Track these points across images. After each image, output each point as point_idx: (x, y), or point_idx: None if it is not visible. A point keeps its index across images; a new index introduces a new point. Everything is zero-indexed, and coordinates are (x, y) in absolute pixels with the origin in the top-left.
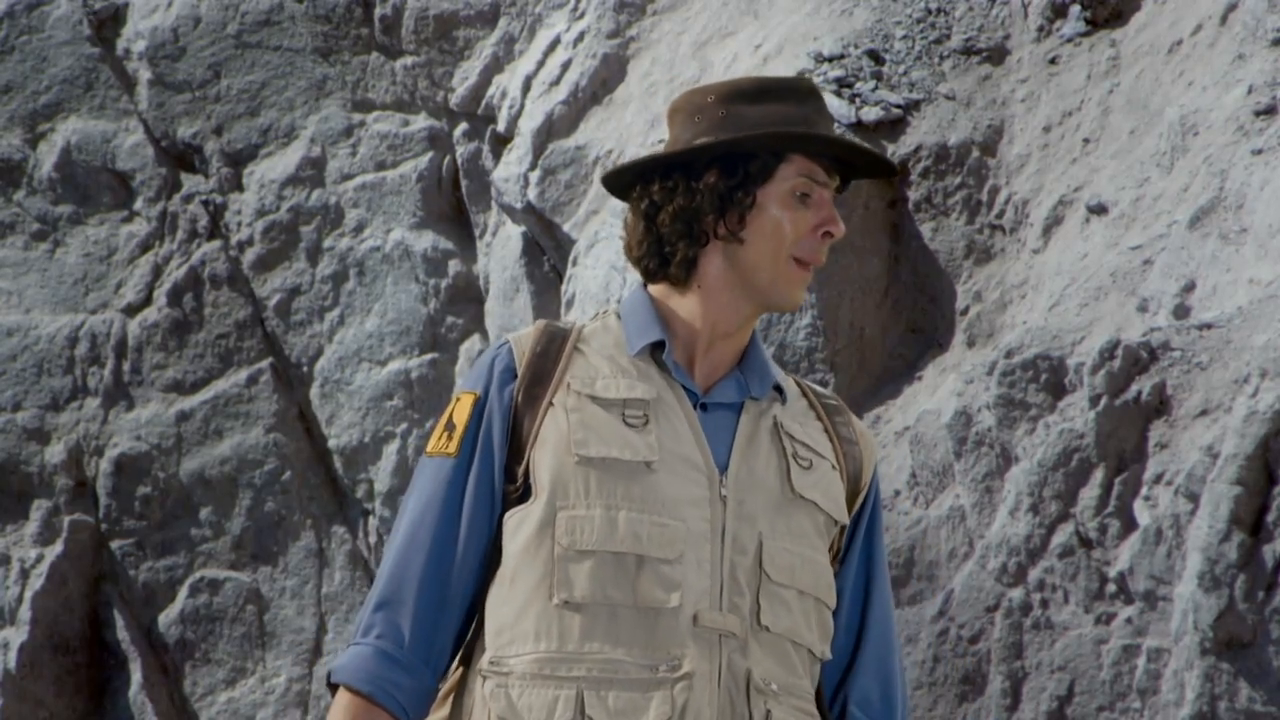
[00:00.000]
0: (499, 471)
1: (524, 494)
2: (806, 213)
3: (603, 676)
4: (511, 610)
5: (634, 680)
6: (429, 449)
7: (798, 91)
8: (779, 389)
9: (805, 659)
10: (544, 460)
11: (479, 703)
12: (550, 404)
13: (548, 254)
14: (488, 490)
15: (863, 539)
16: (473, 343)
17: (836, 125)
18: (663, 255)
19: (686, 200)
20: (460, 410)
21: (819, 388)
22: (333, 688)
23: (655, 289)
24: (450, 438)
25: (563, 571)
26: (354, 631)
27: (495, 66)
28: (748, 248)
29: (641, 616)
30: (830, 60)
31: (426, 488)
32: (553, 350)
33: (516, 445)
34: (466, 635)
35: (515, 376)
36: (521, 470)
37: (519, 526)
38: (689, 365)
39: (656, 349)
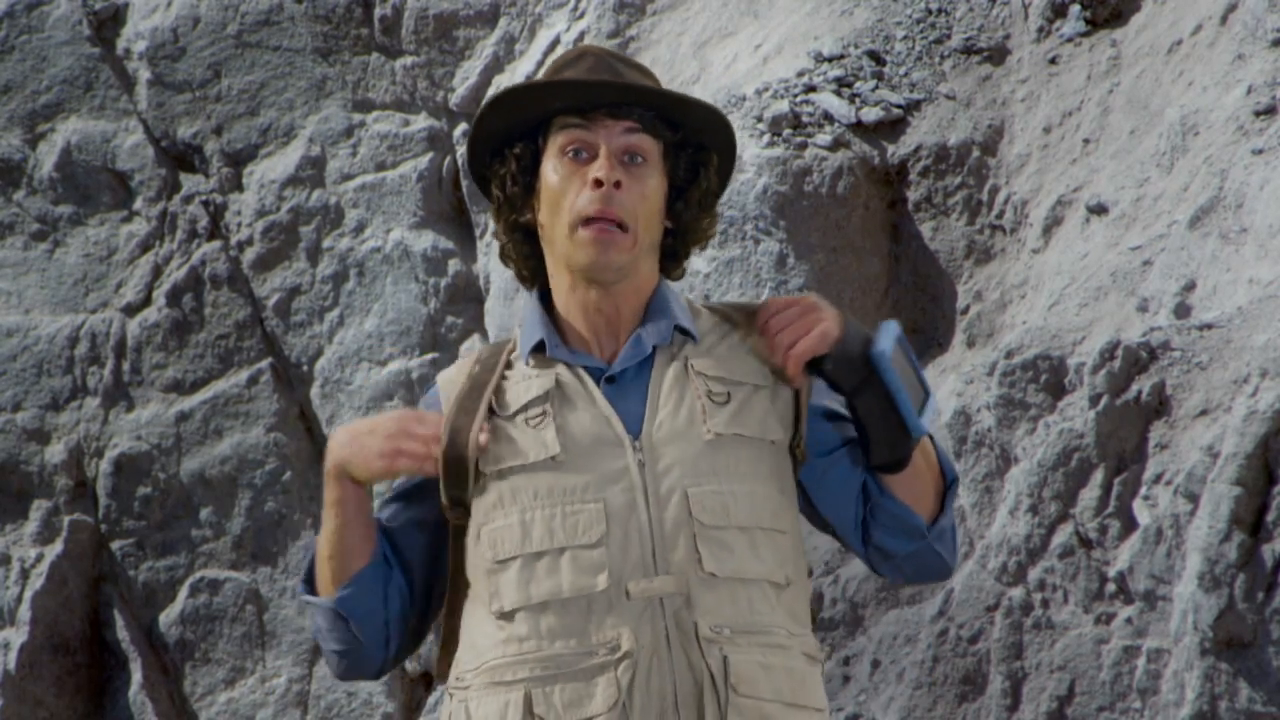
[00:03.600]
0: (412, 519)
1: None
2: (580, 170)
3: (546, 674)
4: (468, 630)
5: (576, 671)
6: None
7: (574, 59)
8: (683, 330)
9: (765, 591)
10: (473, 485)
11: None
12: (472, 432)
13: None
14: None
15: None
16: (473, 343)
17: (836, 124)
18: (505, 253)
19: (498, 191)
20: None
21: (745, 302)
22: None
23: (549, 282)
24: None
25: (493, 584)
26: None
27: (495, 66)
28: (547, 227)
29: (573, 606)
30: (830, 60)
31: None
32: (481, 378)
33: (460, 476)
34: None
35: (443, 403)
36: (464, 497)
37: (469, 550)
38: (589, 343)
39: (540, 348)
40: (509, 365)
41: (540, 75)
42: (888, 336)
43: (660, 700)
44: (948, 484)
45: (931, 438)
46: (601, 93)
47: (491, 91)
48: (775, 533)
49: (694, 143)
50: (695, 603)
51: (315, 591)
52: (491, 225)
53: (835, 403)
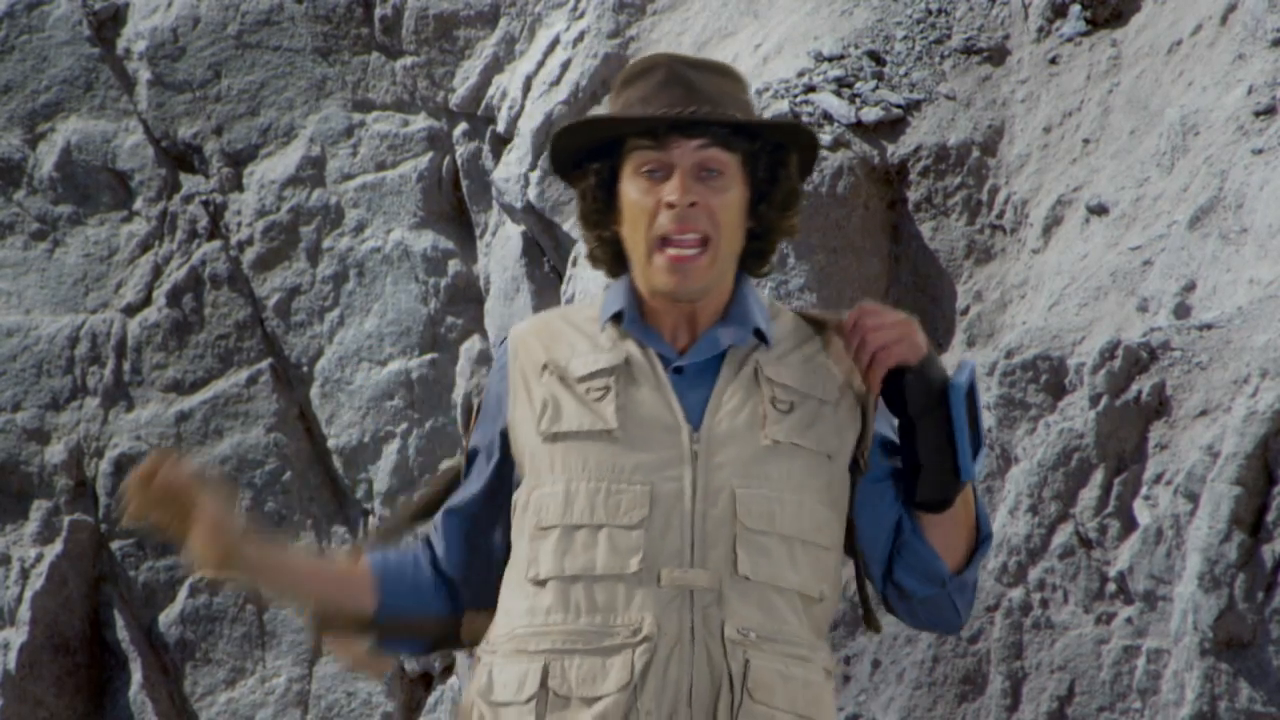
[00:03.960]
0: (495, 464)
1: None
2: (655, 189)
3: (566, 647)
4: (505, 593)
5: (595, 649)
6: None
7: (646, 70)
8: (759, 334)
9: (795, 602)
10: (525, 446)
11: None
12: (531, 389)
13: (547, 254)
14: (486, 479)
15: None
16: (473, 343)
17: (836, 124)
18: (592, 255)
19: (580, 201)
20: (475, 416)
21: (828, 312)
22: None
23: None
24: (464, 440)
25: (533, 550)
26: None
27: (495, 66)
28: (625, 239)
29: (604, 584)
30: (830, 60)
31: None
32: (544, 335)
33: (514, 435)
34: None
35: (511, 370)
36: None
37: (515, 513)
38: (665, 329)
39: (618, 319)
40: (582, 331)
41: (615, 82)
42: (965, 373)
43: (675, 691)
44: (980, 540)
45: (975, 492)
46: (668, 123)
47: (495, 92)
48: (817, 547)
49: (773, 143)
50: (726, 602)
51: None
52: (492, 225)
53: (891, 432)
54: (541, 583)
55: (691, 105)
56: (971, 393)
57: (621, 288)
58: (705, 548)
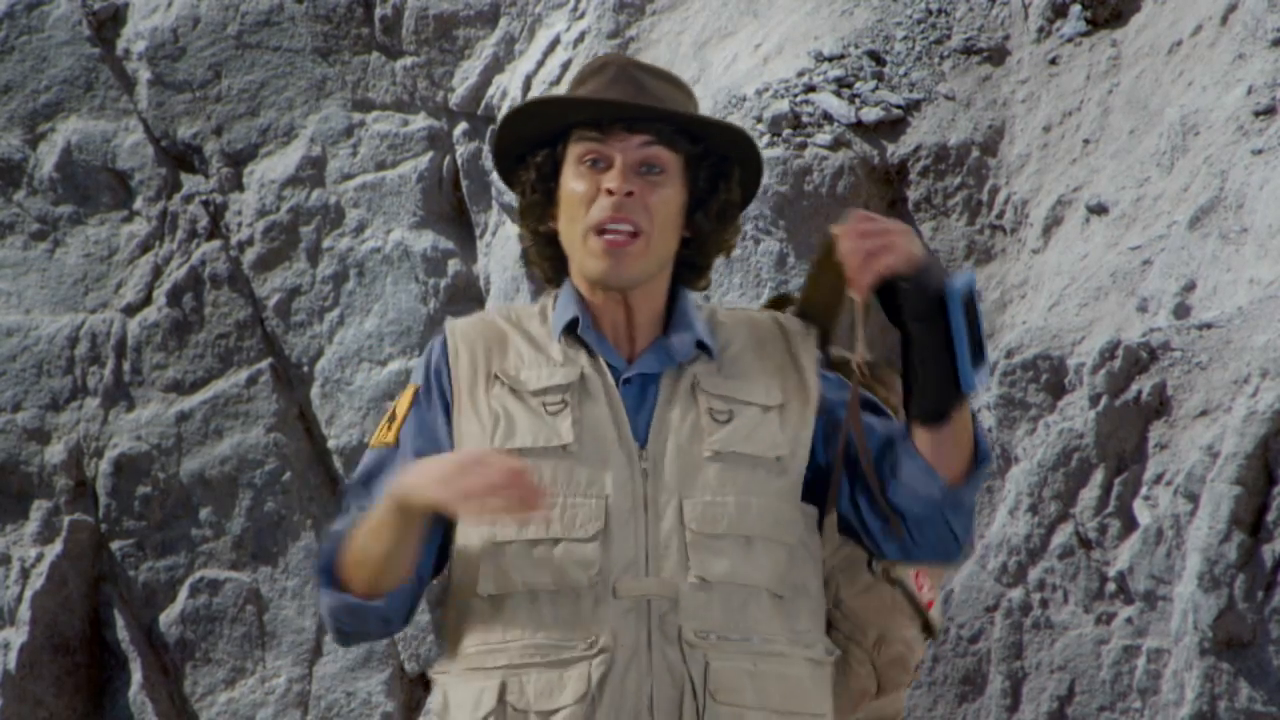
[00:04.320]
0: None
1: None
2: (595, 177)
3: (523, 662)
4: (455, 612)
5: (552, 662)
6: (371, 442)
7: (596, 69)
8: (702, 346)
9: (763, 600)
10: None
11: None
12: (476, 397)
13: None
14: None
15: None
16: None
17: (836, 124)
18: (531, 257)
19: (520, 197)
20: (401, 403)
21: (739, 311)
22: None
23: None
24: (389, 429)
25: (487, 565)
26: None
27: (495, 66)
28: (565, 234)
29: (561, 598)
30: (830, 60)
31: (366, 472)
32: (488, 337)
33: (452, 439)
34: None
35: (451, 364)
36: None
37: (466, 530)
38: (609, 336)
39: (573, 326)
40: (530, 337)
41: (565, 83)
42: (963, 280)
43: (636, 701)
44: (978, 461)
45: (974, 414)
46: (615, 111)
47: (495, 91)
48: (779, 544)
49: (716, 154)
50: (682, 607)
51: (335, 574)
52: (492, 225)
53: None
54: (496, 598)
55: (640, 100)
56: (971, 301)
57: (571, 295)
58: (658, 557)
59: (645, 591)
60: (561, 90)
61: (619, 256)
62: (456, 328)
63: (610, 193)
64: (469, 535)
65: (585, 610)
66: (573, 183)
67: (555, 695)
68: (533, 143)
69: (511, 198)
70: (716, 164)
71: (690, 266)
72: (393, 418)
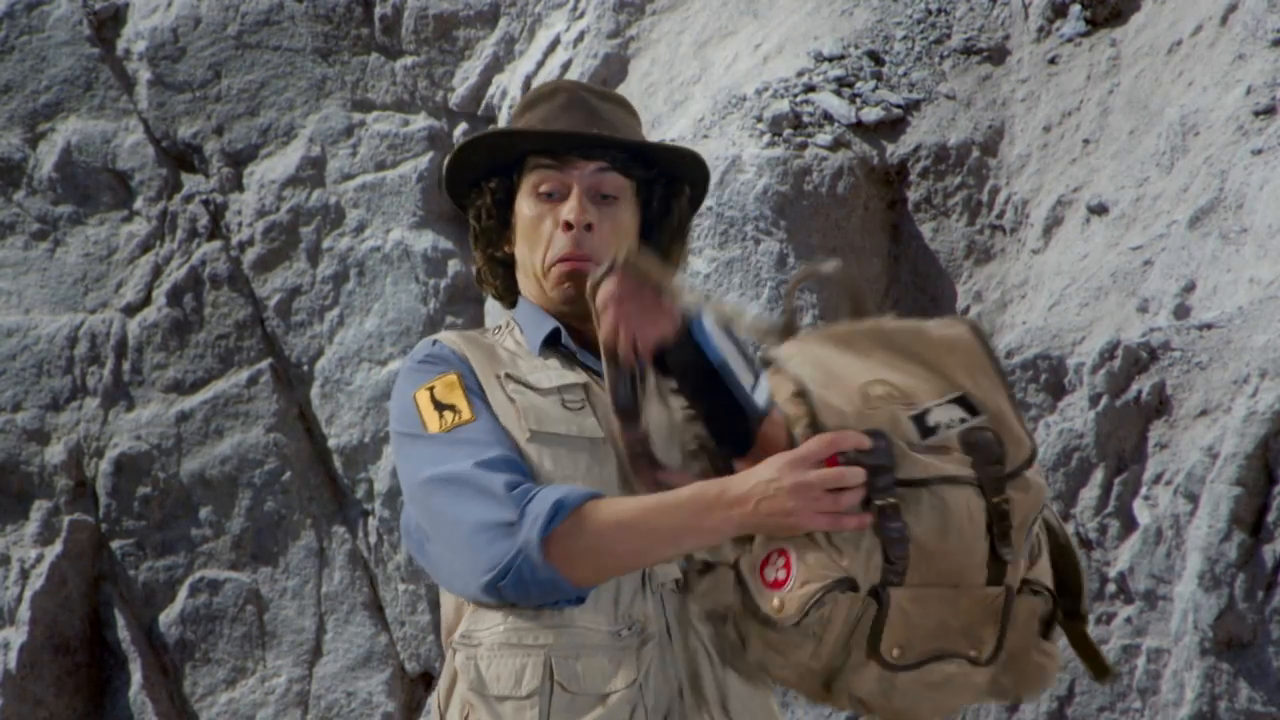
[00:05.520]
0: (504, 431)
1: None
2: (552, 210)
3: (569, 643)
4: None
5: (599, 646)
6: (434, 428)
7: (548, 94)
8: None
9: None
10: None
11: (453, 675)
12: (494, 392)
13: None
14: (509, 441)
15: None
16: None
17: (836, 124)
18: (483, 279)
19: (474, 221)
20: (445, 391)
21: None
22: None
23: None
24: (455, 412)
25: None
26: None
27: (495, 66)
28: (523, 263)
29: (603, 586)
30: (830, 60)
31: (474, 439)
32: (483, 353)
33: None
34: None
35: (465, 362)
36: None
37: None
38: (591, 348)
39: (554, 340)
40: (516, 354)
41: (516, 106)
42: (695, 315)
43: (673, 680)
44: None
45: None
46: (571, 140)
47: (495, 91)
48: None
49: (668, 175)
50: (692, 588)
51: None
52: None
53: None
54: None
55: (594, 128)
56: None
57: (537, 313)
58: None
59: (670, 575)
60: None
61: (579, 279)
62: (446, 337)
63: (569, 225)
64: None
65: (626, 598)
66: (529, 212)
67: (606, 679)
68: (486, 169)
69: None
70: (668, 185)
71: None
72: (442, 406)
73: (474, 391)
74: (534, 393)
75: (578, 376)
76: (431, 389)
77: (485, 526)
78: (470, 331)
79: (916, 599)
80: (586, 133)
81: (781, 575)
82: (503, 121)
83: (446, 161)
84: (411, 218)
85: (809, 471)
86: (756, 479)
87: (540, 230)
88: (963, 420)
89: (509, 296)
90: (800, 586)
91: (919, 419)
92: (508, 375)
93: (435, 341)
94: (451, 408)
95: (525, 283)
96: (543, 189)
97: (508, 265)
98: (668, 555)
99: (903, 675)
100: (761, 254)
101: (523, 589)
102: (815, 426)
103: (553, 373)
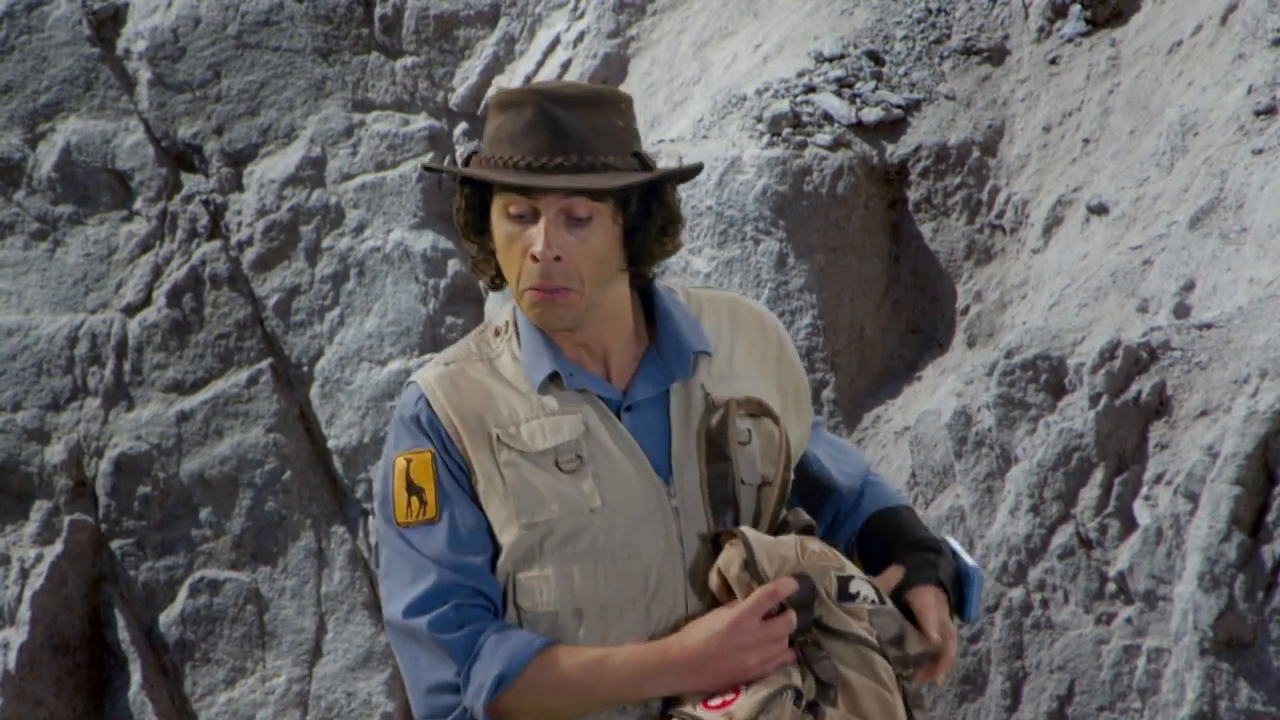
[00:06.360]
0: (483, 519)
1: None
2: (522, 234)
3: None
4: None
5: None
6: (401, 519)
7: (516, 104)
8: (700, 352)
9: None
10: (496, 522)
11: None
12: (484, 465)
13: None
14: (483, 536)
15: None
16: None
17: (836, 124)
18: (473, 266)
19: (458, 217)
20: (420, 471)
21: (708, 292)
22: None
23: None
24: (423, 502)
25: (530, 630)
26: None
27: (495, 66)
28: (501, 265)
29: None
30: (830, 60)
31: (427, 551)
32: (469, 394)
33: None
34: None
35: (447, 431)
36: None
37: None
38: (595, 366)
39: (556, 378)
40: (511, 386)
41: (488, 104)
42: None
43: None
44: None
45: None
46: (534, 189)
47: (493, 90)
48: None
49: (644, 183)
50: None
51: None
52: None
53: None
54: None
55: (559, 154)
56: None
57: (537, 338)
58: (698, 591)
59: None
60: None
61: (550, 307)
62: (434, 386)
63: (535, 259)
64: (520, 596)
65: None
66: (501, 231)
67: None
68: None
69: None
70: (648, 189)
71: (636, 275)
72: (413, 489)
73: (449, 473)
74: (525, 461)
75: (574, 425)
76: (409, 461)
77: (435, 688)
78: (465, 357)
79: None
80: (541, 185)
81: (730, 697)
82: None
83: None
84: (411, 218)
85: (757, 629)
86: (702, 640)
87: (511, 253)
88: (873, 602)
89: (502, 284)
90: (751, 695)
91: (844, 581)
92: (499, 440)
93: (420, 398)
94: (420, 494)
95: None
96: (512, 210)
97: (480, 262)
98: (610, 708)
99: None
100: (761, 254)
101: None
102: (752, 569)
103: (550, 421)
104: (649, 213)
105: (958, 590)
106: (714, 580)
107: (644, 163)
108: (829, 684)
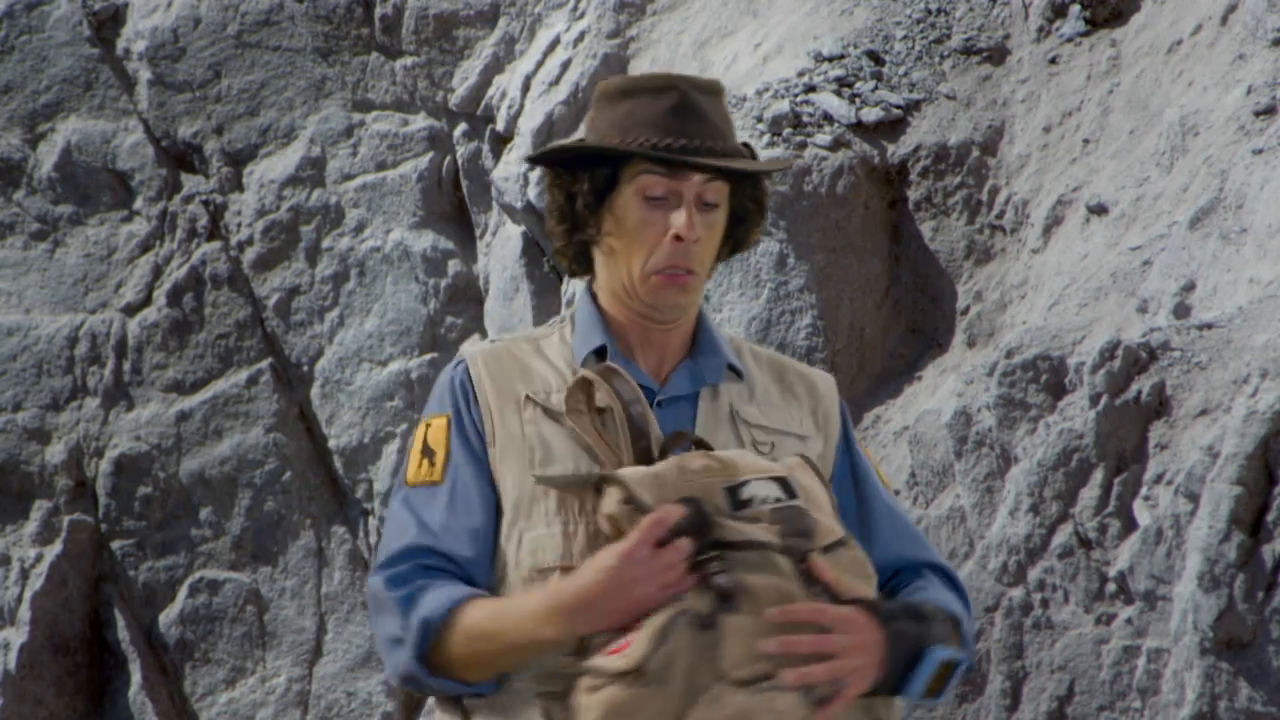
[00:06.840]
0: (488, 486)
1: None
2: (660, 217)
3: (567, 689)
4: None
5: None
6: (410, 478)
7: (656, 89)
8: (734, 368)
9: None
10: (507, 476)
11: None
12: (508, 423)
13: (547, 254)
14: (484, 501)
15: (846, 461)
16: (473, 343)
17: (836, 124)
18: (558, 249)
19: (564, 199)
20: (435, 435)
21: (759, 348)
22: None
23: (596, 285)
24: (431, 464)
25: (528, 590)
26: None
27: (495, 66)
28: (616, 255)
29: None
30: (830, 60)
31: (420, 513)
32: (508, 365)
33: (495, 466)
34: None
35: (477, 392)
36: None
37: (504, 549)
38: (639, 359)
39: (601, 353)
40: (553, 365)
41: (606, 87)
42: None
43: None
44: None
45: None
46: (695, 167)
47: (495, 92)
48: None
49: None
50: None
51: (434, 659)
52: (492, 225)
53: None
54: None
55: (708, 139)
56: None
57: (593, 318)
58: None
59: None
60: (511, 111)
61: (676, 291)
62: (476, 355)
63: (679, 238)
64: (509, 554)
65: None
66: (636, 215)
67: None
68: (591, 158)
69: (512, 198)
70: (756, 183)
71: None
72: (427, 451)
73: (462, 436)
74: (548, 420)
75: (603, 399)
76: (429, 426)
77: (388, 641)
78: (513, 340)
79: (749, 624)
80: (709, 163)
81: (630, 639)
82: (522, 111)
83: (546, 149)
84: (411, 218)
85: (648, 558)
86: (591, 578)
87: (645, 235)
88: (778, 500)
89: (582, 272)
90: (645, 630)
91: (733, 490)
92: (528, 398)
93: (460, 363)
94: (432, 456)
95: (609, 273)
96: (653, 193)
97: (587, 249)
98: (523, 658)
99: (753, 698)
100: (761, 254)
101: (430, 690)
102: (633, 502)
103: None
104: (757, 202)
105: (910, 656)
106: (605, 527)
107: (752, 152)
108: (729, 593)
